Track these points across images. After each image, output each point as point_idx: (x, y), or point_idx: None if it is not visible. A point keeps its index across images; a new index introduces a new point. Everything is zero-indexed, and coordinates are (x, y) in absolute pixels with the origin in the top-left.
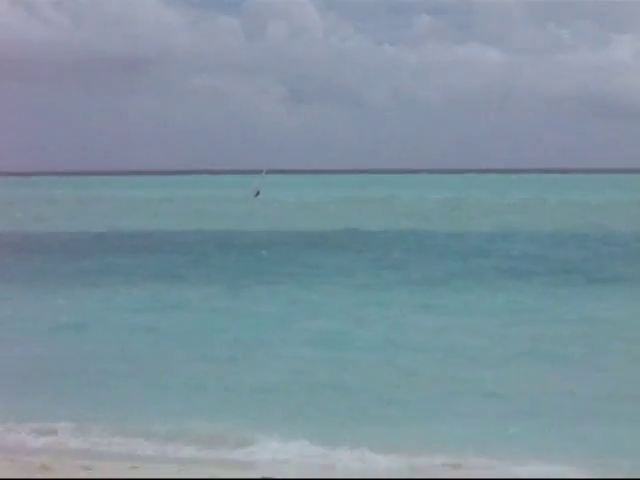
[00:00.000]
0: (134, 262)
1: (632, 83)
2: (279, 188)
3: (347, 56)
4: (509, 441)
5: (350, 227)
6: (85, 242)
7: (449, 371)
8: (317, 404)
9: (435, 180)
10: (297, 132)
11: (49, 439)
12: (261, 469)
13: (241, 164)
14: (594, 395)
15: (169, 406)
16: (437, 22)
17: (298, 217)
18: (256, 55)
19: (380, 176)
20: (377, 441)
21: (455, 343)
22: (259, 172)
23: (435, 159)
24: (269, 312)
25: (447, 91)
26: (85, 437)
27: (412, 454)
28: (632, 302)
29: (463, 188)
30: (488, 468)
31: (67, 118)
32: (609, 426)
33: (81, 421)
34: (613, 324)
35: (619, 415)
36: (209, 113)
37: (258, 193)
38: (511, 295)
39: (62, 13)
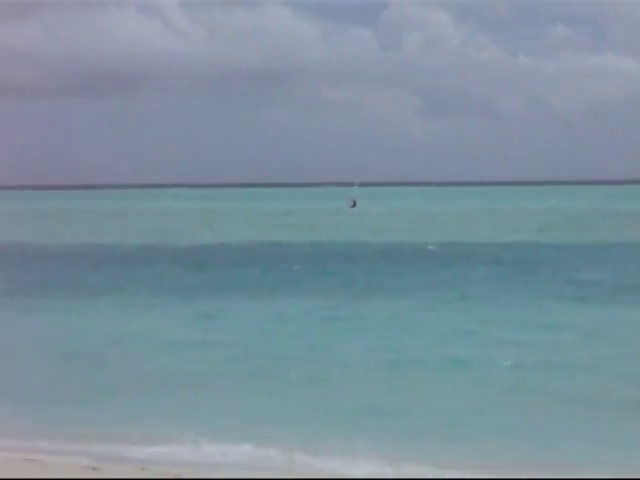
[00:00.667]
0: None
1: None
2: (404, 199)
3: (482, 67)
4: None
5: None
6: (193, 253)
7: None
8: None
9: (565, 191)
10: (431, 143)
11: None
12: None
13: (375, 176)
14: None
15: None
16: (572, 32)
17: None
18: (390, 66)
19: (511, 187)
20: None
21: None
22: (384, 184)
23: (567, 170)
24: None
25: (583, 101)
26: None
27: None
28: None
29: (595, 199)
30: None
31: (202, 130)
32: None
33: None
34: None
35: None
36: (343, 124)
37: (354, 204)
38: None
39: (198, 27)
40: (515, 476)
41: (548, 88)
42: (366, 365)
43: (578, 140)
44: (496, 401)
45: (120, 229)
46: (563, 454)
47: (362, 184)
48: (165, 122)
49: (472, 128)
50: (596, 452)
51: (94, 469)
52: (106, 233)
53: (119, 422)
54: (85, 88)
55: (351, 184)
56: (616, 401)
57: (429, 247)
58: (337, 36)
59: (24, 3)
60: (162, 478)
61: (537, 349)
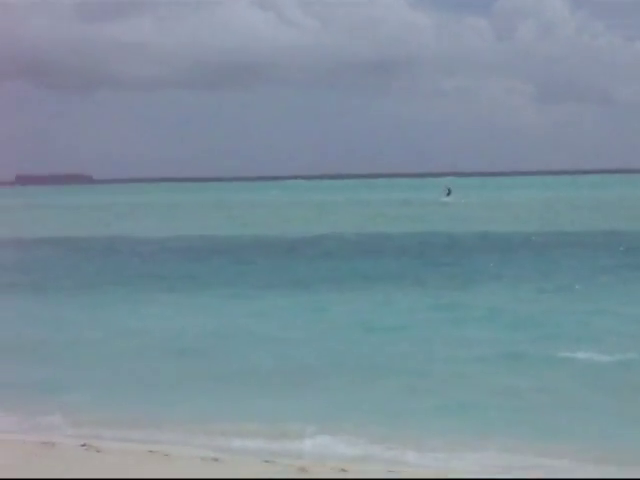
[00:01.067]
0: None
1: None
2: (514, 189)
3: (598, 54)
4: None
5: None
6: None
7: None
8: None
9: None
10: (547, 131)
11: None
12: None
13: (490, 166)
14: None
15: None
16: None
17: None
18: (505, 55)
19: (627, 175)
20: None
21: None
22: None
23: None
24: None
25: None
26: (340, 441)
27: None
28: None
29: None
30: None
31: (317, 121)
32: None
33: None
34: None
35: None
36: (458, 114)
37: (449, 193)
38: None
39: (312, 18)
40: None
41: None
42: (474, 358)
43: None
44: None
45: (235, 220)
46: None
47: (471, 174)
48: (281, 114)
49: (588, 116)
50: None
51: (215, 460)
52: (219, 225)
53: (239, 415)
54: (201, 81)
55: (457, 174)
56: None
57: (532, 238)
58: (452, 26)
59: None
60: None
61: None
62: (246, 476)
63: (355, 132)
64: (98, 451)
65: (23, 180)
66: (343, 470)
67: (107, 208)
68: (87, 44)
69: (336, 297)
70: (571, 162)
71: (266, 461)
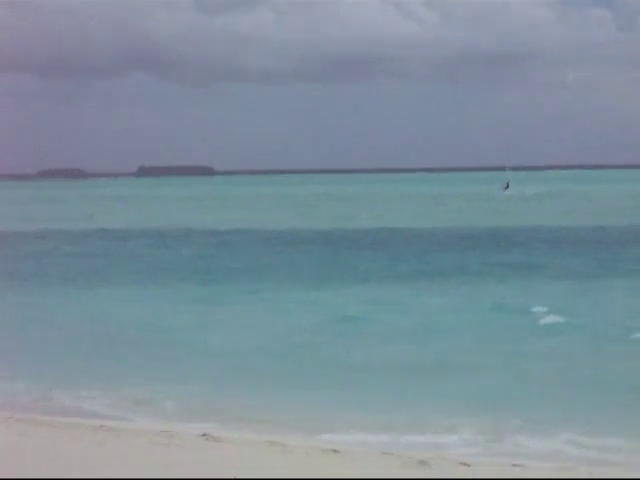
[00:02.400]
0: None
1: None
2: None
3: None
4: None
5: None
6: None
7: None
8: None
9: None
10: None
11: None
12: None
13: (619, 158)
14: None
15: None
16: None
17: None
18: (628, 46)
19: None
20: None
21: None
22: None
23: None
24: None
25: None
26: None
27: None
28: None
29: None
30: None
31: (437, 114)
32: None
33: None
34: None
35: None
36: (580, 106)
37: (507, 186)
38: None
39: (432, 11)
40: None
41: None
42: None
43: None
44: None
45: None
46: None
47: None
48: (399, 107)
49: None
50: None
51: (335, 452)
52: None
53: (359, 409)
54: (318, 73)
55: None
56: None
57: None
58: (574, 17)
59: None
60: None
61: None
62: (366, 468)
63: (476, 126)
64: (217, 441)
65: (146, 171)
66: (464, 464)
67: (227, 199)
68: (206, 36)
69: (417, 292)
70: None
71: (385, 453)
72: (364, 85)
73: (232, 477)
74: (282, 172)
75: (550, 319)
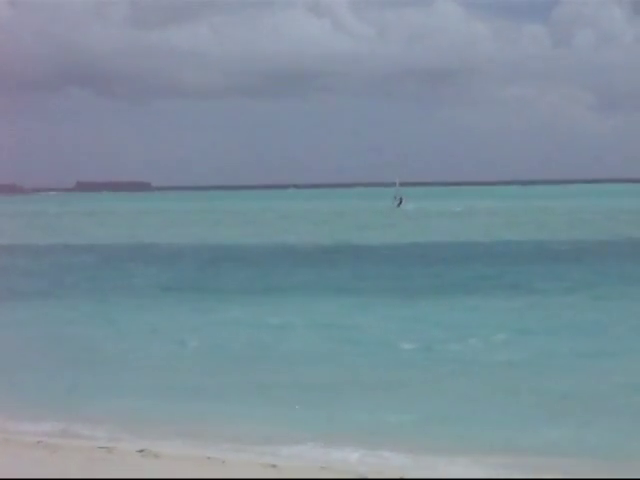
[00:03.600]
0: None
1: None
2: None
3: None
4: None
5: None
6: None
7: None
8: None
9: None
10: (607, 140)
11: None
12: None
13: (550, 173)
14: None
15: None
16: None
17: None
18: (562, 63)
19: None
20: None
21: None
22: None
23: None
24: None
25: None
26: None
27: None
28: None
29: None
30: None
31: (373, 130)
32: None
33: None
34: None
35: None
36: (516, 122)
37: (400, 202)
38: None
39: (368, 26)
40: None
41: None
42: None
43: None
44: None
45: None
46: None
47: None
48: (337, 122)
49: None
50: None
51: (273, 467)
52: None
53: (298, 422)
54: (256, 88)
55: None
56: None
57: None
58: (509, 33)
59: (192, 5)
60: (343, 478)
61: None
62: None
63: (412, 141)
64: (156, 457)
65: (83, 187)
66: (402, 479)
67: (162, 214)
68: (142, 52)
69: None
70: (631, 170)
71: (323, 468)
72: (300, 100)
73: None
74: (219, 188)
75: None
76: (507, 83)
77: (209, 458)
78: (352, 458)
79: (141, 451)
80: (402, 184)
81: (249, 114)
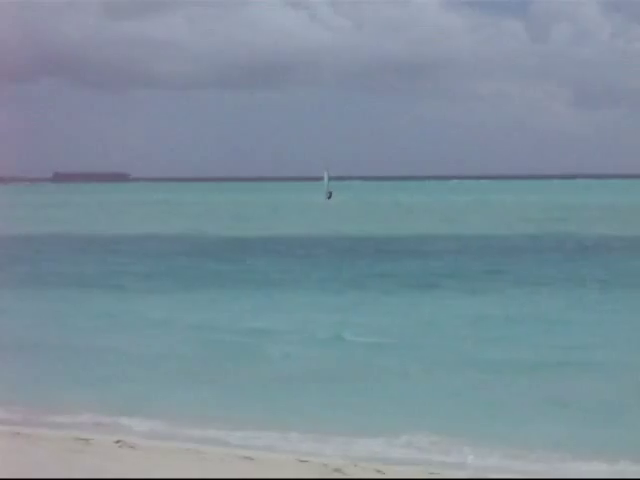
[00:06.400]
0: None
1: None
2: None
3: (634, 58)
4: None
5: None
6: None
7: None
8: None
9: None
10: (585, 136)
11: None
12: None
13: (528, 169)
14: None
15: None
16: None
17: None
18: (540, 58)
19: None
20: None
21: None
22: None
23: None
24: None
25: None
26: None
27: None
28: None
29: None
30: None
31: (350, 122)
32: None
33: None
34: None
35: None
36: (493, 117)
37: (330, 195)
38: None
39: (344, 19)
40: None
41: None
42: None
43: None
44: None
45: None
46: None
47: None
48: (313, 114)
49: (626, 120)
50: None
51: (250, 459)
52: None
53: (275, 415)
54: (232, 80)
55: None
56: None
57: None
58: (486, 28)
59: None
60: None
61: None
62: (281, 476)
63: (387, 134)
64: (132, 447)
65: (60, 177)
66: (379, 471)
67: (141, 206)
68: (117, 41)
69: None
70: (611, 166)
71: (301, 460)
72: (277, 92)
73: None
74: (196, 180)
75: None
76: (485, 78)
77: (186, 450)
78: (328, 450)
79: (118, 442)
80: (376, 178)
81: (225, 106)
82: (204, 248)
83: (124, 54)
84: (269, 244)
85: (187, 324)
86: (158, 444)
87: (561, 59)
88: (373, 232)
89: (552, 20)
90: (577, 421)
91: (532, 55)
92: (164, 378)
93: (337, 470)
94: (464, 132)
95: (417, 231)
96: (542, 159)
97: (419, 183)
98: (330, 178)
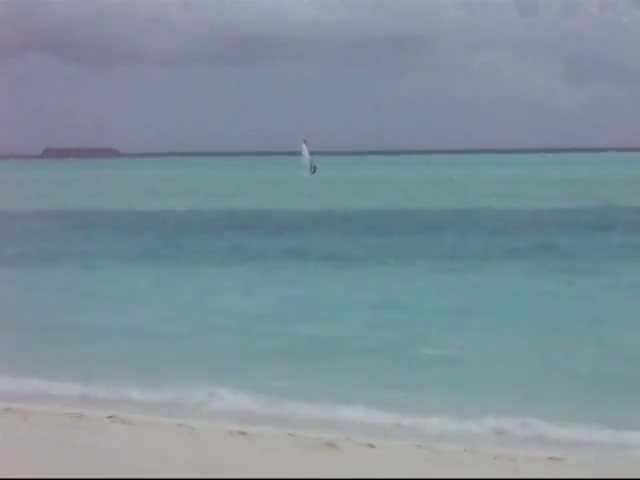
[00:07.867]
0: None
1: None
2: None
3: (623, 31)
4: None
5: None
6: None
7: None
8: None
9: None
10: (574, 110)
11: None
12: None
13: (518, 143)
14: None
15: None
16: None
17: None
18: (529, 31)
19: None
20: None
21: None
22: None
23: None
24: None
25: None
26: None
27: None
28: None
29: None
30: None
31: (339, 97)
32: None
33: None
34: None
35: None
36: (483, 90)
37: (315, 170)
38: None
39: None
40: None
41: None
42: None
43: None
44: None
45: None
46: None
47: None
48: (302, 89)
49: (616, 93)
50: None
51: (242, 434)
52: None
53: (267, 388)
54: (221, 55)
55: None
56: None
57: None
58: (475, 1)
59: None
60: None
61: None
62: (273, 450)
63: (376, 109)
64: (125, 423)
65: (51, 153)
66: (371, 445)
67: (132, 181)
68: (105, 17)
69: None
70: (600, 140)
71: (292, 435)
72: (266, 67)
73: (141, 460)
74: (186, 154)
75: None
76: (474, 51)
77: (179, 425)
78: (320, 424)
79: (111, 417)
80: (369, 152)
81: (214, 81)
82: (208, 225)
83: (112, 29)
84: (269, 223)
85: (176, 301)
86: (151, 419)
87: (550, 32)
88: (382, 207)
89: None
90: None
91: (520, 27)
92: (153, 355)
93: (329, 444)
94: (452, 106)
95: (432, 205)
96: (531, 132)
97: (404, 157)
98: (326, 153)
